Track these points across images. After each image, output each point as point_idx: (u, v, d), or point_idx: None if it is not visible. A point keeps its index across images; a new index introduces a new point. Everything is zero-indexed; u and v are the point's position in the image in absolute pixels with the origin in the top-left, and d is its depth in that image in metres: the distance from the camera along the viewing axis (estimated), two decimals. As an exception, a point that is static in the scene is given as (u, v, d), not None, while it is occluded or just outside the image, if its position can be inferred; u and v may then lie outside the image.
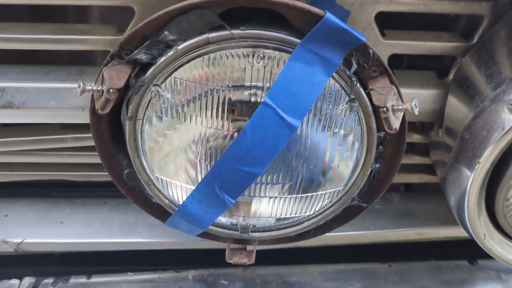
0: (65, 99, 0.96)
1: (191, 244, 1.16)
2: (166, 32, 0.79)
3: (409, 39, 0.98)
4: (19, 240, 1.13)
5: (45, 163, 1.13)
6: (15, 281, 1.13)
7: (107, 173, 1.03)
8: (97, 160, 1.09)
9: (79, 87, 0.76)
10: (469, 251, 1.22)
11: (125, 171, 0.96)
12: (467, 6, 0.95)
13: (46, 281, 1.13)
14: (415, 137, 1.10)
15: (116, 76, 0.79)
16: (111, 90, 0.78)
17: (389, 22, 0.99)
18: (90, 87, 0.78)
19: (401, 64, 1.12)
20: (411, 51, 0.99)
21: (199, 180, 0.89)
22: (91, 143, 1.04)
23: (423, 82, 1.03)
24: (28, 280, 1.14)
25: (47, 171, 1.15)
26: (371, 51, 0.79)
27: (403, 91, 0.99)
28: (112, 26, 0.97)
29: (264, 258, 1.12)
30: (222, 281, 1.15)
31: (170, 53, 0.79)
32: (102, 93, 0.79)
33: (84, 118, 0.98)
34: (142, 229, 1.17)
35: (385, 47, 0.96)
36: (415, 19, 1.01)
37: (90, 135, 1.01)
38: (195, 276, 1.16)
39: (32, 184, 1.21)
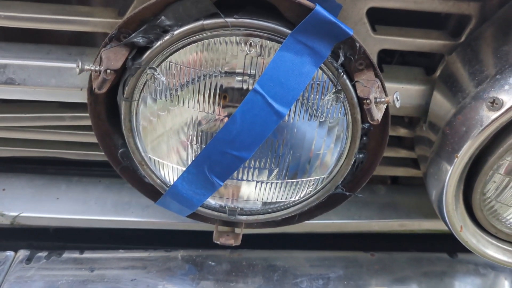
0: (65, 78, 0.99)
1: (181, 225, 1.20)
2: (163, 17, 0.82)
3: (399, 35, 1.01)
4: (15, 214, 1.17)
5: (43, 140, 1.17)
6: (10, 253, 1.17)
7: (102, 153, 1.07)
8: (93, 139, 1.13)
9: (78, 66, 0.80)
10: (450, 244, 1.26)
11: (120, 151, 0.99)
12: (456, 6, 0.98)
13: (40, 254, 1.17)
14: (402, 131, 1.13)
15: (113, 57, 0.82)
16: (108, 70, 0.81)
17: (380, 18, 1.02)
18: (88, 67, 0.81)
19: (393, 60, 1.15)
20: (401, 47, 1.02)
21: (190, 161, 0.92)
22: (88, 122, 1.07)
23: (411, 77, 1.06)
24: (23, 253, 1.18)
25: (45, 148, 1.18)
26: (357, 45, 0.82)
27: (391, 85, 1.03)
28: (113, 9, 1.00)
29: (251, 242, 1.16)
30: (210, 262, 1.19)
31: (166, 37, 0.83)
32: (100, 73, 0.82)
33: (82, 97, 1.02)
34: (135, 208, 1.20)
35: (375, 42, 1.00)
36: (406, 16, 1.04)
37: (87, 114, 1.05)
38: (184, 256, 1.20)
39: (30, 160, 1.25)
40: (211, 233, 1.12)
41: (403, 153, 1.19)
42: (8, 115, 1.10)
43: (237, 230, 1.08)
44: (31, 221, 1.18)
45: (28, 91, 0.99)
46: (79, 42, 1.12)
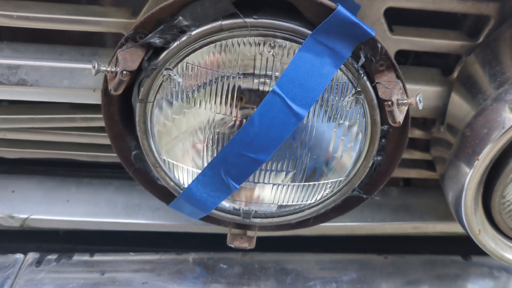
0: (78, 79, 0.98)
1: (193, 228, 1.19)
2: (180, 18, 0.81)
3: (416, 35, 1.00)
4: (25, 216, 1.16)
5: (53, 141, 1.15)
6: (20, 256, 1.16)
7: (113, 154, 1.06)
8: (104, 141, 1.12)
9: (94, 67, 0.78)
10: (463, 247, 1.25)
11: (133, 153, 0.98)
12: (475, 6, 0.97)
13: (50, 257, 1.16)
14: (417, 133, 1.12)
15: (130, 58, 0.81)
16: (125, 72, 0.80)
17: (397, 18, 1.01)
18: (104, 68, 0.80)
19: (407, 60, 1.14)
20: (418, 48, 1.01)
21: (205, 164, 0.91)
22: (100, 123, 1.06)
23: (427, 78, 1.05)
24: (32, 255, 1.17)
25: (55, 149, 1.17)
26: (379, 46, 0.81)
27: (407, 86, 1.02)
28: (126, 9, 0.99)
29: (263, 245, 1.15)
30: (222, 265, 1.18)
31: (183, 38, 0.81)
32: (116, 75, 0.81)
33: (94, 99, 1.00)
34: (145, 211, 1.19)
35: (392, 43, 0.98)
36: (423, 16, 1.03)
37: (99, 115, 1.04)
38: (195, 259, 1.19)
39: (39, 162, 1.24)
40: (222, 235, 1.11)
41: (417, 155, 1.17)
42: (19, 116, 1.09)
43: (250, 233, 1.06)
44: (41, 223, 1.16)
45: (40, 92, 0.98)
46: (88, 43, 1.10)
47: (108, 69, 0.80)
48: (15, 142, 1.16)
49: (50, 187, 1.20)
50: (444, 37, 1.02)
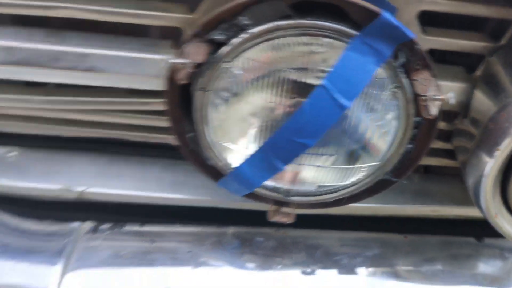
0: (140, 67, 1.09)
1: (233, 204, 1.31)
2: (241, 18, 0.92)
3: (446, 36, 1.11)
4: (81, 189, 1.28)
5: (107, 122, 1.27)
6: (78, 224, 1.29)
7: (161, 136, 1.18)
8: (154, 123, 1.24)
9: (168, 59, 0.90)
10: (477, 229, 1.37)
11: (188, 135, 1.10)
12: (499, 11, 1.08)
13: (104, 226, 1.29)
14: (441, 125, 1.23)
15: (197, 51, 0.92)
16: (192, 63, 0.91)
17: (425, 20, 1.12)
18: (177, 60, 0.91)
19: (434, 58, 1.25)
20: (446, 47, 1.11)
21: (255, 147, 1.03)
22: (154, 107, 1.18)
23: (453, 76, 1.15)
24: (89, 224, 1.29)
25: (109, 129, 1.28)
26: (416, 47, 0.92)
27: (436, 83, 1.12)
28: (184, 5, 1.09)
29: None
30: (258, 238, 1.30)
31: (243, 35, 0.92)
32: (184, 66, 0.92)
33: (153, 85, 1.12)
34: (190, 187, 1.31)
35: (424, 43, 1.09)
36: (451, 19, 1.13)
37: (155, 100, 1.15)
38: (234, 232, 1.31)
39: (92, 141, 1.35)
40: (259, 212, 1.23)
41: (438, 144, 1.28)
42: (80, 98, 1.20)
43: (288, 210, 1.18)
44: (95, 196, 1.29)
45: (107, 78, 1.09)
46: (133, 33, 1.21)
47: (180, 61, 0.92)
48: (74, 122, 1.28)
49: (102, 163, 1.32)
50: (469, 38, 1.12)
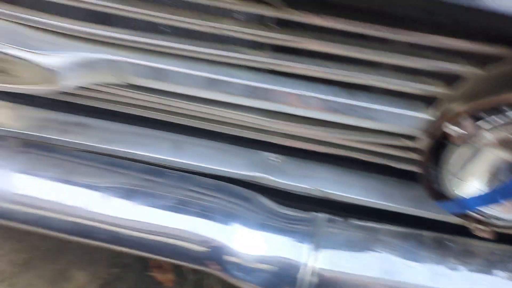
0: (403, 120, 1.54)
1: (433, 215, 1.76)
2: (506, 108, 1.34)
3: None
4: (327, 191, 1.78)
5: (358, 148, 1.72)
6: (319, 215, 1.78)
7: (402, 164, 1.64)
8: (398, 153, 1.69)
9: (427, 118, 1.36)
10: None
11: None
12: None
13: (337, 218, 1.78)
14: None
15: (468, 126, 1.36)
16: (464, 135, 1.36)
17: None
18: (453, 128, 1.36)
19: None
20: None
21: (486, 187, 1.46)
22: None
23: None
24: (324, 215, 1.79)
25: (358, 152, 1.73)
26: None
27: None
28: (441, 82, 1.48)
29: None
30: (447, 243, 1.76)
31: (504, 119, 1.35)
32: (456, 133, 1.37)
33: (408, 131, 1.57)
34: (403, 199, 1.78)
35: None
36: None
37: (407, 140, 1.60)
38: (428, 236, 1.77)
39: (339, 157, 1.81)
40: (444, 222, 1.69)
41: None
42: (349, 132, 1.68)
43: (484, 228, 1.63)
44: (337, 197, 1.78)
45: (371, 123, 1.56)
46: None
47: (456, 129, 1.37)
48: (327, 143, 1.74)
49: (342, 173, 1.82)
50: None
